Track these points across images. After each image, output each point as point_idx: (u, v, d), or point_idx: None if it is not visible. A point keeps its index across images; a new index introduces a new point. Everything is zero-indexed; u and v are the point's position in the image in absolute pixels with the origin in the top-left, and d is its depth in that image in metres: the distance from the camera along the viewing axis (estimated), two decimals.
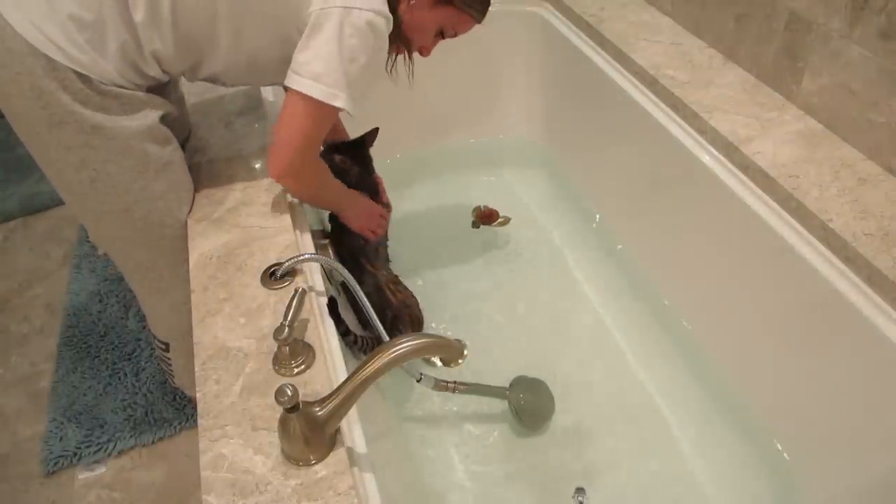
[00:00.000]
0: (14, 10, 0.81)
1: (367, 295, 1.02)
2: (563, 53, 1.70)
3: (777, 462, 1.18)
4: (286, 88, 0.91)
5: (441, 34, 1.04)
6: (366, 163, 1.29)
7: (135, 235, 1.00)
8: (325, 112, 0.91)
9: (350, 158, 1.24)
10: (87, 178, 0.92)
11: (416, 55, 1.07)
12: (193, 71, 0.97)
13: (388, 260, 1.37)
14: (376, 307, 1.05)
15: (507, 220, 1.61)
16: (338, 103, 0.89)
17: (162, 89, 1.00)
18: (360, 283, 1.02)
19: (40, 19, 0.81)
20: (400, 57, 1.07)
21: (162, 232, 1.00)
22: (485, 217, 1.60)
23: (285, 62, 0.93)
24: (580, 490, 1.17)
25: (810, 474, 1.13)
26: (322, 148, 1.21)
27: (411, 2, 0.96)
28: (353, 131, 1.30)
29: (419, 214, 1.72)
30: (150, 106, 0.94)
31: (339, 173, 1.17)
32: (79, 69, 0.84)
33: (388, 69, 1.06)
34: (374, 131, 1.28)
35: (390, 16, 0.90)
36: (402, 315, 1.28)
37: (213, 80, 1.01)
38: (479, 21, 1.04)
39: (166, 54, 0.90)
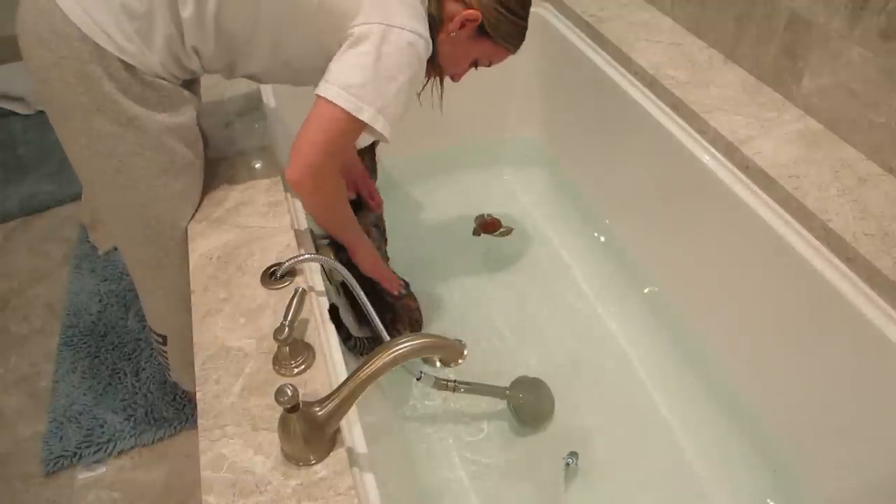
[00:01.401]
0: None
1: (367, 295, 1.01)
2: (563, 53, 1.70)
3: (777, 461, 1.18)
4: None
5: (475, 64, 1.06)
6: None
7: (146, 232, 1.00)
8: (349, 123, 0.89)
9: None
10: (112, 168, 0.93)
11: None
12: (230, 69, 0.98)
13: (387, 258, 1.37)
14: (375, 308, 1.05)
15: (509, 231, 1.59)
16: (363, 117, 0.88)
17: (195, 89, 1.01)
18: (361, 283, 1.02)
19: (93, 6, 0.82)
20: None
21: (172, 233, 1.01)
22: (487, 226, 1.58)
23: (323, 70, 0.93)
24: (573, 454, 1.18)
25: (810, 474, 1.13)
26: None
27: (451, 34, 0.97)
28: None
29: (419, 214, 1.72)
30: (187, 102, 0.95)
31: None
32: (126, 58, 0.85)
33: (419, 93, 1.06)
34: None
35: (430, 40, 0.91)
36: (401, 316, 1.27)
37: (251, 78, 1.02)
38: (514, 52, 1.06)
39: (206, 52, 0.91)
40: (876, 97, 1.09)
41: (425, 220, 1.73)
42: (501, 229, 1.59)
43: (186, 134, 0.97)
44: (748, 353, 1.25)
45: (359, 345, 1.13)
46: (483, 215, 1.60)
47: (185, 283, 0.92)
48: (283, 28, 0.91)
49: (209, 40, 0.90)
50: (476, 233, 1.60)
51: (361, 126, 0.90)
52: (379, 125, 0.89)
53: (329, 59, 0.92)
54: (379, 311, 1.06)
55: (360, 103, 0.87)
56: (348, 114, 0.88)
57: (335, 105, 0.88)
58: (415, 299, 1.35)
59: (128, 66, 0.86)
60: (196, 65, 0.93)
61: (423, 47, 0.90)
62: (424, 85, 1.06)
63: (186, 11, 0.86)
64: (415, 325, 1.33)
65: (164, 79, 0.90)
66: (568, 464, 1.18)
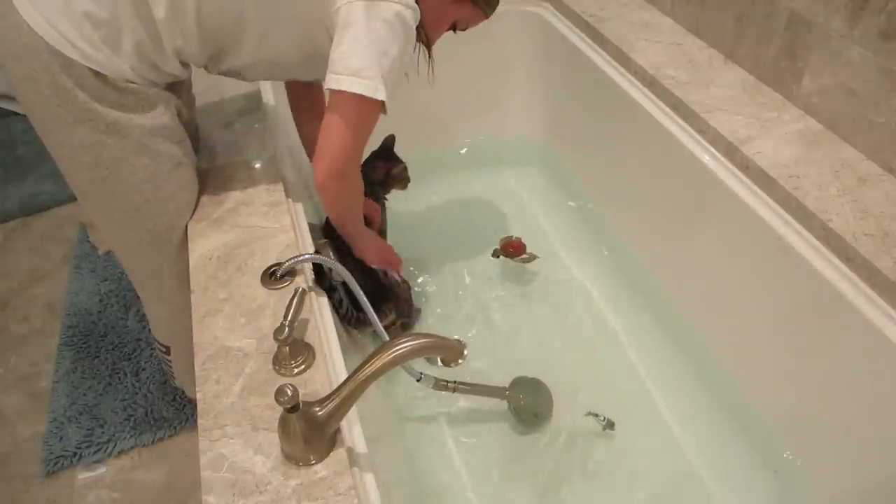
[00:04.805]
0: (30, 8, 0.81)
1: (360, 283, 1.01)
2: (563, 53, 1.70)
3: (779, 462, 1.18)
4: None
5: (452, 28, 1.05)
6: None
7: (143, 237, 1.00)
8: (370, 108, 0.89)
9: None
10: (100, 178, 0.92)
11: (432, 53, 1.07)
12: (215, 62, 0.96)
13: None
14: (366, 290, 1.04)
15: (532, 258, 1.49)
16: (380, 96, 0.87)
17: (176, 89, 1.00)
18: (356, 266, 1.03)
19: (56, 17, 0.81)
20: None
21: (169, 235, 1.00)
22: (511, 247, 1.49)
23: (308, 61, 0.92)
24: (610, 423, 1.23)
25: (812, 474, 1.13)
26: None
27: None
28: None
29: (418, 214, 1.72)
30: (165, 102, 0.94)
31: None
32: (94, 67, 0.84)
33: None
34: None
35: (417, 8, 0.89)
36: (388, 295, 1.27)
37: (233, 74, 1.00)
38: (487, 17, 1.06)
39: (189, 50, 0.90)
40: (876, 97, 1.09)
41: (424, 218, 1.73)
42: (524, 255, 1.49)
43: (170, 134, 0.96)
44: (748, 353, 1.25)
45: (350, 313, 1.10)
46: (511, 236, 1.51)
47: (187, 292, 0.92)
48: (269, 19, 0.90)
49: (192, 38, 0.88)
50: (496, 254, 1.51)
51: (380, 107, 0.90)
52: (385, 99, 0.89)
53: (314, 46, 0.91)
54: (372, 296, 1.05)
55: (373, 83, 0.87)
56: (367, 98, 0.87)
57: (353, 94, 0.87)
58: (408, 289, 1.34)
59: (98, 75, 0.85)
60: (175, 68, 0.92)
61: (411, 17, 0.88)
62: (416, 56, 1.04)
63: (161, 13, 0.85)
64: (403, 303, 1.31)
65: (137, 83, 0.89)
66: (596, 414, 1.23)
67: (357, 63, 0.86)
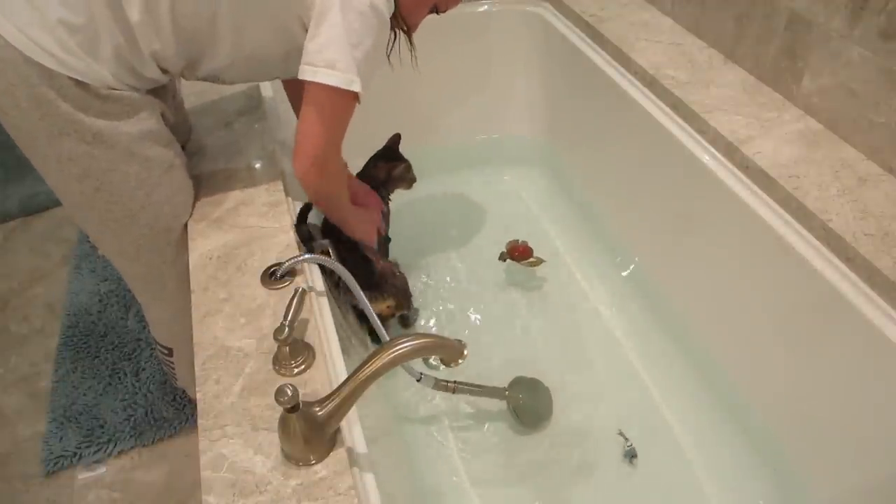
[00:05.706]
0: (1, 19, 0.78)
1: (355, 273, 1.00)
2: (563, 53, 1.70)
3: (778, 462, 1.18)
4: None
5: (434, 10, 1.05)
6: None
7: (141, 242, 0.99)
8: (346, 100, 0.90)
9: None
10: (91, 188, 0.91)
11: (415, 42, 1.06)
12: (192, 68, 0.95)
13: (387, 257, 1.37)
14: (363, 277, 1.03)
15: (539, 261, 1.49)
16: (355, 88, 0.88)
17: (160, 93, 0.98)
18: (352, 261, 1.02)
19: (28, 26, 0.79)
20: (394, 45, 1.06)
21: (168, 238, 1.00)
22: (518, 251, 1.48)
23: (287, 57, 0.92)
24: (633, 452, 1.22)
25: (812, 474, 1.13)
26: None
27: None
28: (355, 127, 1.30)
29: (418, 213, 1.72)
30: (149, 107, 0.93)
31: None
32: (74, 76, 0.82)
33: (387, 54, 1.04)
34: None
35: None
36: (385, 284, 1.27)
37: (212, 78, 0.99)
38: None
39: (165, 53, 0.89)
40: (876, 97, 1.09)
41: (423, 218, 1.73)
42: (531, 259, 1.48)
43: (157, 138, 0.94)
44: (748, 353, 1.25)
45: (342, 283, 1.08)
46: (517, 241, 1.50)
47: (188, 293, 0.91)
48: (244, 14, 0.89)
49: (168, 40, 0.87)
50: (502, 258, 1.50)
51: (356, 99, 0.91)
52: (361, 91, 0.90)
53: (290, 40, 0.91)
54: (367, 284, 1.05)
55: (348, 75, 0.87)
56: (343, 90, 0.87)
57: (328, 86, 0.87)
58: (404, 279, 1.34)
59: (79, 84, 0.83)
60: (155, 72, 0.90)
61: (385, 6, 0.88)
62: (393, 44, 1.03)
63: (135, 15, 0.83)
64: (401, 293, 1.31)
65: (119, 90, 0.87)
66: (626, 437, 1.23)
67: (332, 55, 0.86)
